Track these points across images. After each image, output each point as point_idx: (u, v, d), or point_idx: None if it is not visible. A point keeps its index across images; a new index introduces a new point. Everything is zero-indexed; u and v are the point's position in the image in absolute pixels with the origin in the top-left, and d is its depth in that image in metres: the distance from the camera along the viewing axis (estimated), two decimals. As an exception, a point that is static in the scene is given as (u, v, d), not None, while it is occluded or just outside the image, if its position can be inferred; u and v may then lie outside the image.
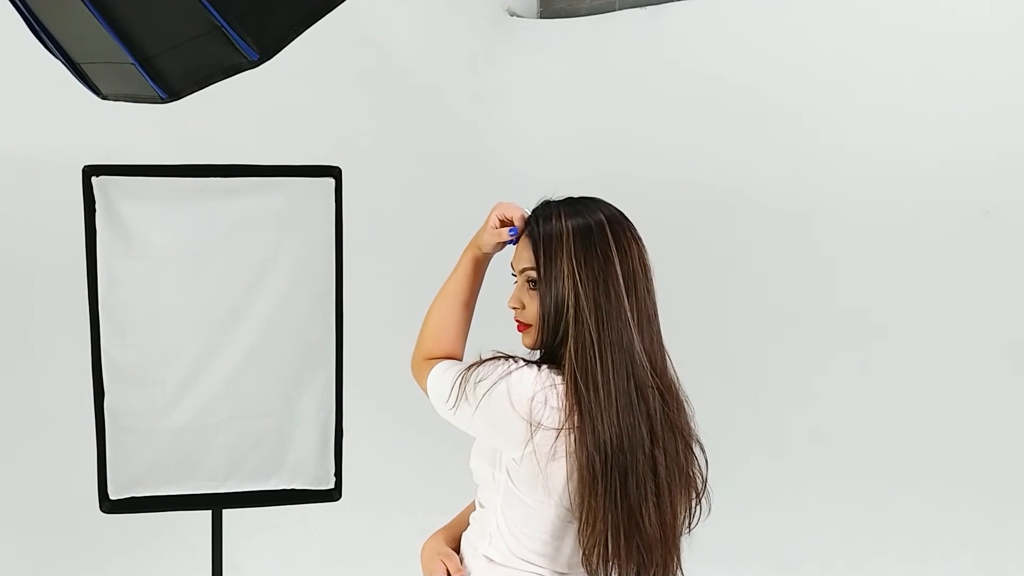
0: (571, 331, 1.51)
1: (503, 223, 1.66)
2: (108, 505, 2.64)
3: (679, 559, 1.58)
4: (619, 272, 1.53)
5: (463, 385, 1.54)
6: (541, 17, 4.85)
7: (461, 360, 1.70)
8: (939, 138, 3.60)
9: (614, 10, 4.54)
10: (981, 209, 3.52)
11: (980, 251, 3.53)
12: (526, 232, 1.62)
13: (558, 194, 1.66)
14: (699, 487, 1.59)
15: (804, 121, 3.91)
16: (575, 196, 1.64)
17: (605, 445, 1.47)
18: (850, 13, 3.84)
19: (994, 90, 3.51)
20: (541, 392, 1.49)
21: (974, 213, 3.53)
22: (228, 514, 2.75)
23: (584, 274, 1.52)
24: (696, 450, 1.59)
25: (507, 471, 1.56)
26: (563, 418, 1.49)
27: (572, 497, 1.52)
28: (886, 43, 3.74)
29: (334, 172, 2.72)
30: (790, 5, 3.99)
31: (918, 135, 3.64)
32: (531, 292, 1.59)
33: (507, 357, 1.54)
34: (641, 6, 4.42)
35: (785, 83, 3.96)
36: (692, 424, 1.60)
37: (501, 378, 1.50)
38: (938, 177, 3.58)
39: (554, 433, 1.49)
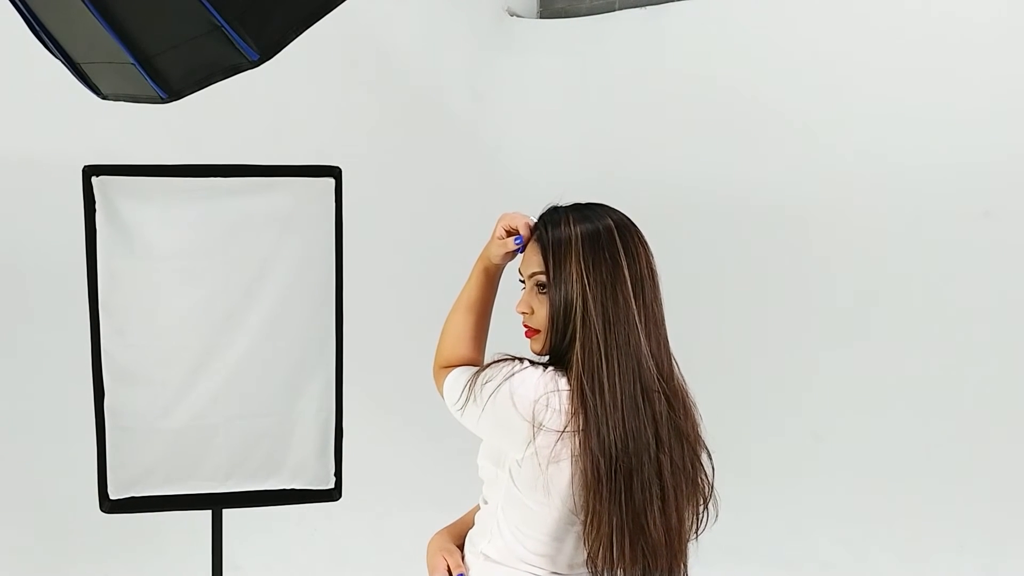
0: (578, 334, 1.52)
1: (508, 233, 1.66)
2: (108, 505, 2.64)
3: (685, 565, 1.58)
4: (627, 277, 1.53)
5: (471, 387, 1.55)
6: (541, 17, 4.85)
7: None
8: (939, 138, 3.60)
9: (614, 10, 4.55)
10: (981, 209, 3.52)
11: (980, 251, 3.53)
12: (535, 237, 1.62)
13: (563, 198, 1.66)
14: (706, 494, 1.59)
15: (803, 121, 3.92)
16: (582, 202, 1.64)
17: (610, 448, 1.47)
18: (849, 14, 3.84)
19: (994, 91, 3.51)
20: (544, 395, 1.50)
21: (974, 213, 3.53)
22: (228, 514, 2.75)
23: (592, 278, 1.52)
24: (703, 457, 1.59)
25: (509, 471, 1.57)
26: (566, 421, 1.49)
27: (576, 499, 1.52)
28: (885, 44, 3.74)
29: (334, 172, 2.71)
30: (790, 6, 3.99)
31: (918, 135, 3.64)
32: (540, 297, 1.59)
33: (513, 358, 1.55)
34: (641, 6, 4.42)
35: (784, 83, 3.97)
36: (700, 430, 1.60)
37: (505, 379, 1.51)
38: (938, 177, 3.58)
39: (556, 435, 1.49)
